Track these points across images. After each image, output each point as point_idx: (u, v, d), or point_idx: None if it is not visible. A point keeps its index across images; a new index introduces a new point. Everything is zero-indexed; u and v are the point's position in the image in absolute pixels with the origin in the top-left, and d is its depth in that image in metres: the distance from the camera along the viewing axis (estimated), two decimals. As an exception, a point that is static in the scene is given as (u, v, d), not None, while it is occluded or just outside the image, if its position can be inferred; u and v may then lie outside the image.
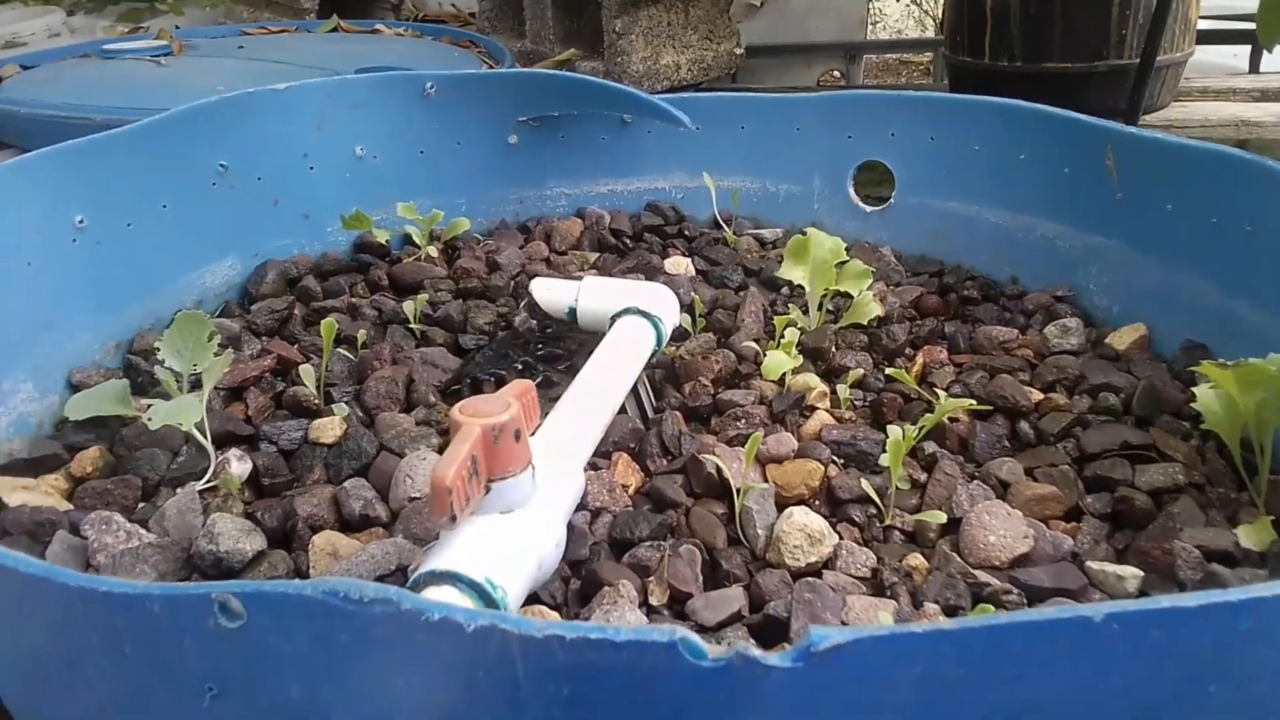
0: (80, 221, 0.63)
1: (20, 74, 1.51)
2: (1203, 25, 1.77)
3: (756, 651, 0.23)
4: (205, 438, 0.53)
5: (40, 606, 0.27)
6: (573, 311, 0.61)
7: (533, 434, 0.43)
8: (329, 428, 0.56)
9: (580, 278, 0.63)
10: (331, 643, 0.24)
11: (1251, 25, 2.00)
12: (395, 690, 0.25)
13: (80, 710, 0.30)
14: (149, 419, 0.50)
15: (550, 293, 0.62)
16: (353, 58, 1.42)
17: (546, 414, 0.48)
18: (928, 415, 0.54)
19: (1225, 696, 0.25)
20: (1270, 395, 0.49)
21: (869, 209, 0.84)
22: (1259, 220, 0.57)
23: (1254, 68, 2.03)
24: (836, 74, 2.29)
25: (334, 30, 1.77)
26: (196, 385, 0.55)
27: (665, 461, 0.54)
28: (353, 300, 0.72)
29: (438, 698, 0.24)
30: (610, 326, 0.57)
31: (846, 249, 0.68)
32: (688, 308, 0.69)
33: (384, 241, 0.78)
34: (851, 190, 0.84)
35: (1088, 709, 0.25)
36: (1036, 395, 0.59)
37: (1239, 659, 0.25)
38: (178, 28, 1.82)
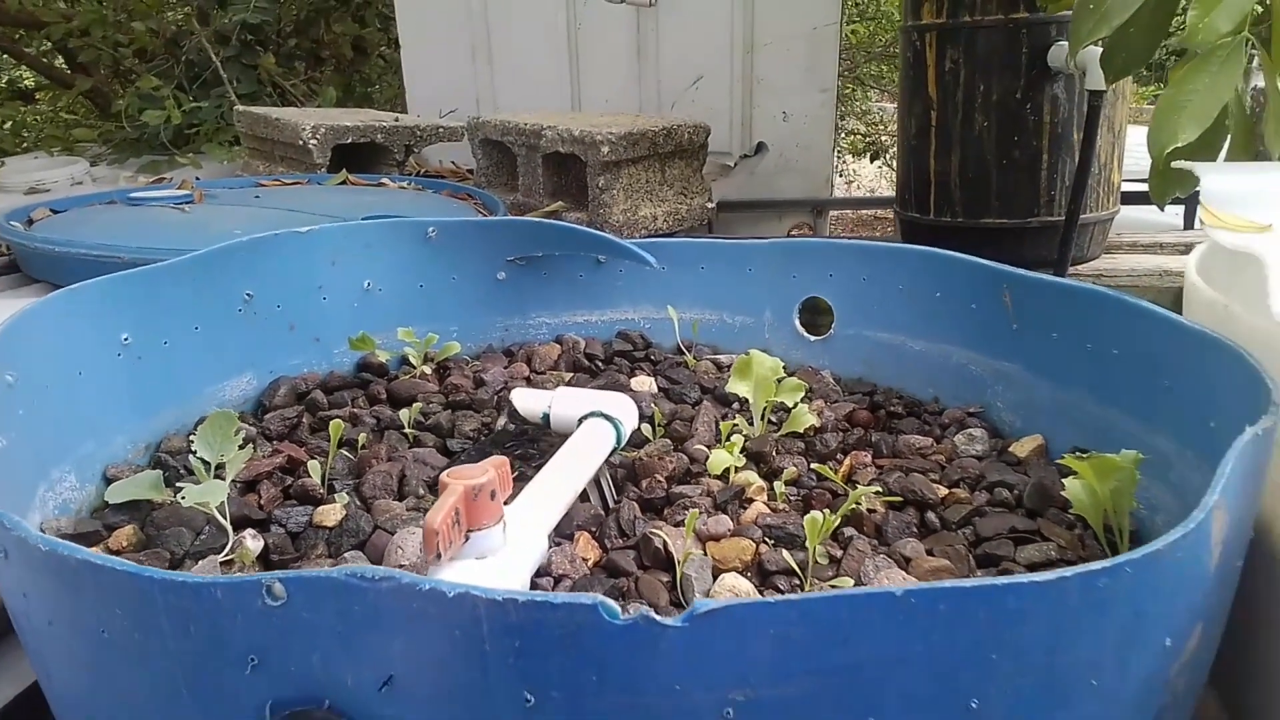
0: (126, 339, 0.74)
1: (51, 216, 1.65)
2: (1136, 187, 1.95)
3: (655, 615, 0.32)
4: (225, 519, 0.62)
5: (124, 599, 0.36)
6: (546, 417, 0.71)
7: (507, 503, 0.52)
8: (331, 513, 0.65)
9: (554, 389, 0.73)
10: (349, 614, 0.33)
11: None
12: (393, 649, 0.33)
13: (146, 693, 0.38)
14: (183, 498, 0.59)
15: (528, 401, 0.72)
16: (360, 207, 1.57)
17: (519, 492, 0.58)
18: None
19: (1007, 665, 0.34)
20: (1122, 483, 0.58)
21: (812, 338, 0.95)
22: (1121, 344, 0.69)
23: (1188, 224, 2.22)
24: (806, 228, 2.48)
25: (343, 183, 1.94)
26: (219, 476, 0.65)
27: (621, 540, 0.62)
28: (354, 410, 0.82)
29: (425, 653, 0.33)
30: (578, 426, 0.67)
31: (792, 372, 0.79)
32: (648, 419, 0.79)
33: (384, 361, 0.89)
34: (797, 322, 0.96)
35: (902, 668, 0.33)
36: (943, 491, 0.69)
37: (1012, 632, 0.34)
38: (198, 179, 1.98)
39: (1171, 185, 1.03)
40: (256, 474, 0.69)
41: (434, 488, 0.71)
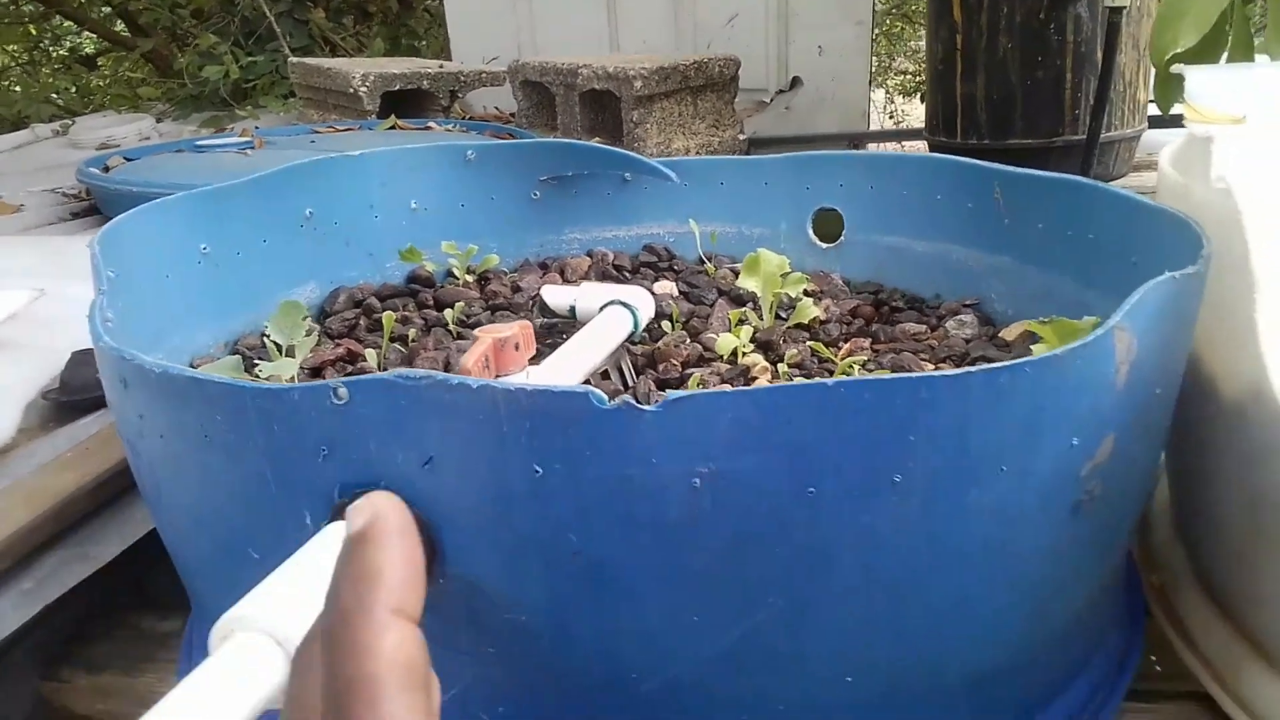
0: (204, 248, 0.84)
1: (125, 164, 1.77)
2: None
3: (634, 401, 0.40)
4: (296, 394, 0.72)
5: (223, 406, 0.45)
6: (573, 310, 0.80)
7: (533, 362, 0.61)
8: (387, 390, 0.74)
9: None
10: (396, 407, 0.42)
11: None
12: (432, 434, 0.42)
13: (240, 485, 0.48)
14: (259, 373, 0.69)
15: (556, 295, 0.81)
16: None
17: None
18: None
19: (924, 446, 0.42)
20: (1082, 346, 0.65)
21: (825, 246, 1.02)
22: (1096, 228, 0.75)
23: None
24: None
25: (392, 128, 2.03)
26: (289, 356, 0.74)
27: (636, 408, 0.71)
28: (405, 314, 0.91)
29: (457, 436, 0.42)
30: (599, 313, 0.76)
31: (805, 276, 0.87)
32: (668, 316, 0.87)
33: (431, 272, 0.98)
34: (810, 231, 1.03)
35: (836, 446, 0.41)
36: (930, 367, 0.76)
37: (926, 418, 0.41)
38: (257, 128, 2.09)
39: (1175, 92, 1.06)
40: (321, 361, 0.79)
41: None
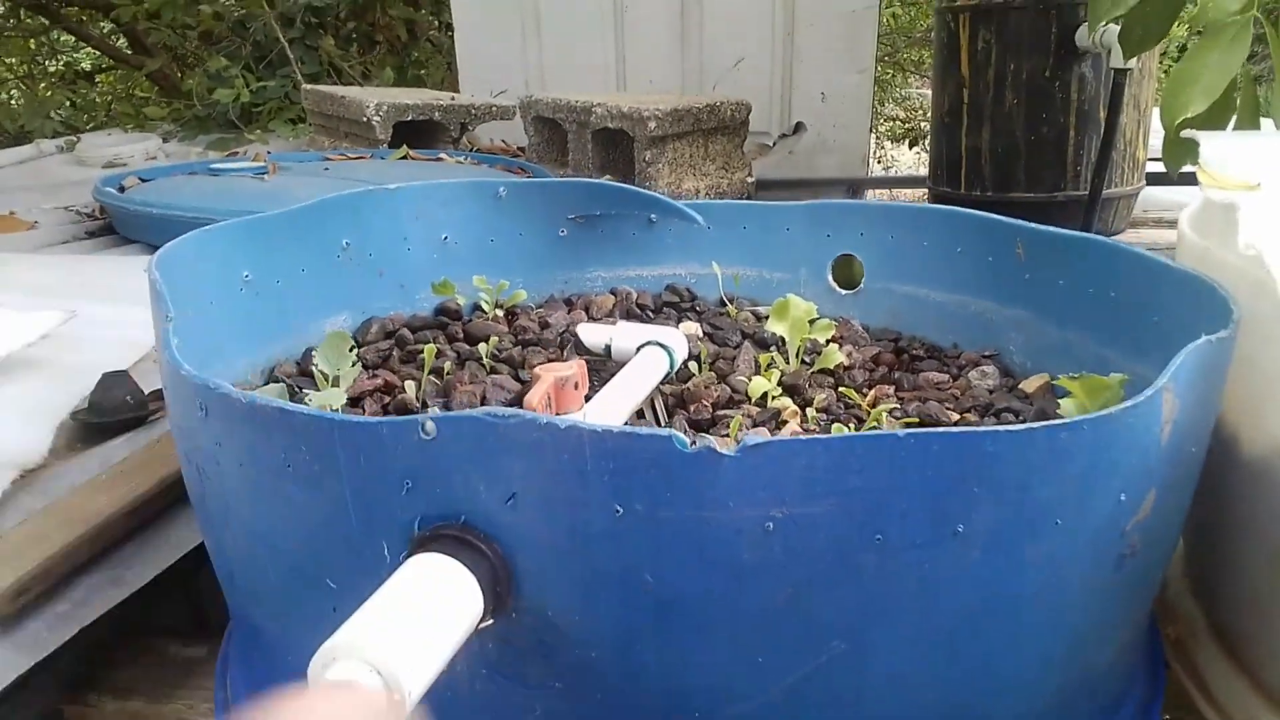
0: (246, 276, 0.85)
1: (141, 185, 1.78)
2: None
3: (715, 445, 0.42)
4: (340, 423, 0.73)
5: (309, 437, 0.47)
6: (608, 348, 0.82)
7: (587, 399, 0.63)
8: (427, 422, 0.76)
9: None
10: (483, 444, 0.44)
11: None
12: (516, 472, 0.44)
13: (320, 515, 0.49)
14: (309, 401, 0.70)
15: (592, 334, 0.83)
16: (422, 180, 1.69)
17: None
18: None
19: (987, 497, 0.44)
20: (1109, 401, 0.67)
21: (843, 292, 1.05)
22: (1118, 287, 0.78)
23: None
24: (842, 205, 2.56)
25: (404, 158, 2.05)
26: (335, 386, 0.76)
27: (675, 447, 0.73)
28: (436, 346, 0.93)
29: (540, 474, 0.44)
30: (636, 354, 0.78)
31: (832, 322, 0.90)
32: (695, 357, 0.89)
33: (459, 305, 1.00)
34: (830, 278, 1.05)
35: (903, 495, 0.43)
36: (955, 416, 0.78)
37: (990, 471, 0.44)
38: (270, 153, 2.11)
39: (1183, 154, 1.10)
40: (360, 392, 0.81)
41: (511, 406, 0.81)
